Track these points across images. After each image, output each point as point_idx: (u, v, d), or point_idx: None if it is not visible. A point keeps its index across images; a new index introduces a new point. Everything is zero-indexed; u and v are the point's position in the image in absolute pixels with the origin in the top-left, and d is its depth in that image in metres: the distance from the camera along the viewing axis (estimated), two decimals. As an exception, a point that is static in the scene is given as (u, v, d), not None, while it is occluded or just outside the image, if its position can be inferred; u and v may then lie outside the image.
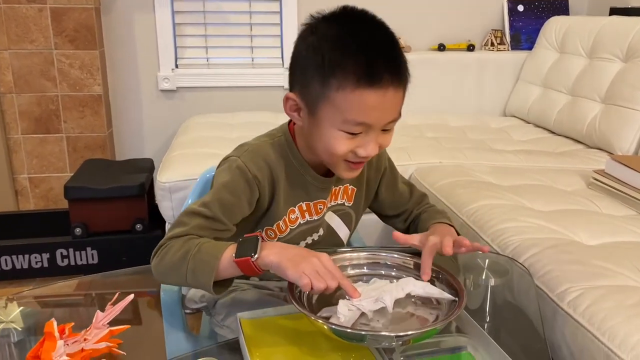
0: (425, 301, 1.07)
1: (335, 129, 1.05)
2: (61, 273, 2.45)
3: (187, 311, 1.25)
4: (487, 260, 1.33)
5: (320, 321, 0.94)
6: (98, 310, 0.99)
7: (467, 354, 1.04)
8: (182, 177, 2.10)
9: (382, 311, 1.02)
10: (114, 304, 1.00)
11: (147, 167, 2.69)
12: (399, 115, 1.07)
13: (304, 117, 1.10)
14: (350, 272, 1.15)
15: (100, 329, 0.95)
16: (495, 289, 1.27)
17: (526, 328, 1.17)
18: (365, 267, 1.17)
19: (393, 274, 1.15)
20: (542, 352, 1.08)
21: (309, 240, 1.27)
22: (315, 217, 1.26)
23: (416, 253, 1.14)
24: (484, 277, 1.28)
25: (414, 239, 1.16)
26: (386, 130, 1.08)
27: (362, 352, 0.98)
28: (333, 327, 0.93)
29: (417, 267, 1.12)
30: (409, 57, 1.04)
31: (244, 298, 1.28)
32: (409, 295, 1.07)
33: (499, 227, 1.59)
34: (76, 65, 2.92)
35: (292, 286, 1.00)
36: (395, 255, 1.17)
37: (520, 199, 1.78)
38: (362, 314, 1.00)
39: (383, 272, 1.16)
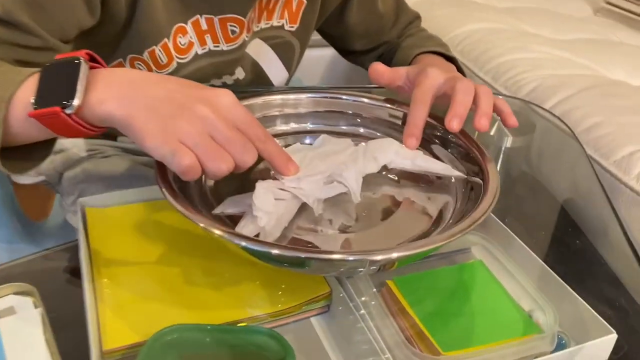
0: (418, 181, 0.59)
1: None
2: None
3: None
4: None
5: (216, 232, 0.44)
6: None
7: (479, 262, 0.59)
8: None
9: (339, 201, 0.52)
10: None
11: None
12: None
13: None
14: (282, 127, 0.64)
15: None
16: (511, 154, 0.79)
17: (564, 220, 0.72)
18: (309, 121, 0.65)
19: (361, 131, 0.65)
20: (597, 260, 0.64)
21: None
22: (227, 46, 0.72)
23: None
24: (493, 134, 0.79)
25: (397, 73, 0.64)
26: None
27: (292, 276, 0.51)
28: (237, 242, 0.43)
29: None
30: None
31: (104, 170, 0.78)
32: (386, 171, 0.57)
33: (503, 59, 1.09)
34: None
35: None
36: (367, 100, 0.65)
37: (522, 24, 1.28)
38: (302, 208, 0.51)
39: (344, 128, 0.65)
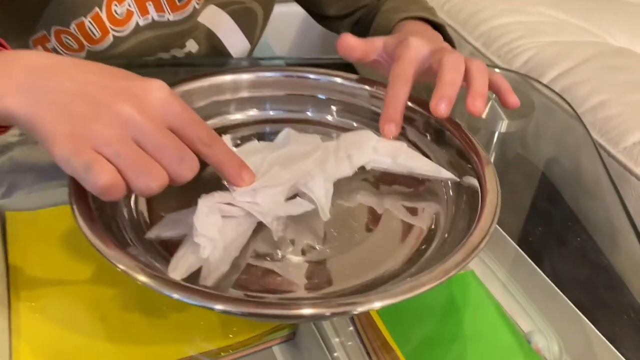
0: (401, 184, 0.49)
1: None
2: None
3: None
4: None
5: (139, 278, 0.33)
6: None
7: (470, 273, 0.51)
8: None
9: (304, 216, 0.42)
10: None
11: None
12: None
13: None
14: (235, 115, 0.53)
15: None
16: (507, 140, 0.69)
17: (566, 215, 0.63)
18: (270, 107, 0.54)
19: (331, 119, 0.54)
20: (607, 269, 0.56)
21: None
22: (174, 16, 0.60)
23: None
24: (485, 117, 0.68)
25: (372, 45, 0.53)
26: None
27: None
28: (167, 293, 0.33)
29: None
30: None
31: (37, 159, 0.64)
32: (363, 172, 0.47)
33: (495, 22, 0.98)
34: None
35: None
36: (341, 81, 0.54)
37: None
38: (260, 225, 0.41)
39: (312, 116, 0.54)
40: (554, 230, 0.63)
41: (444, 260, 0.36)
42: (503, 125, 0.68)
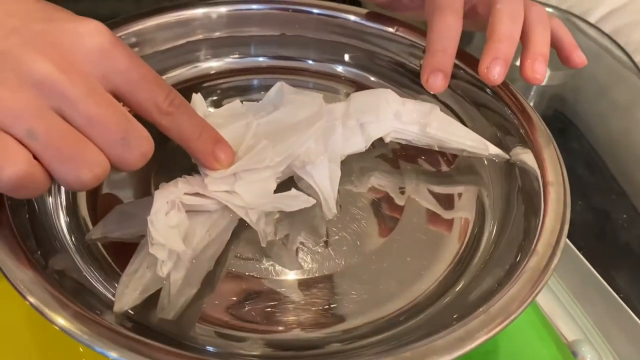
0: (430, 163, 0.38)
1: None
2: None
3: None
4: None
5: (57, 321, 0.23)
6: None
7: None
8: None
9: (303, 215, 0.31)
10: None
11: None
12: None
13: None
14: (211, 63, 0.41)
15: None
16: (546, 94, 0.58)
17: (613, 190, 0.53)
18: (258, 51, 0.42)
19: (338, 70, 0.42)
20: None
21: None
22: None
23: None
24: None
25: None
26: None
27: None
28: (99, 350, 0.22)
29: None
30: None
31: None
32: (380, 145, 0.36)
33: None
34: None
35: None
36: (355, 18, 0.42)
37: None
38: (241, 227, 0.30)
39: (314, 65, 0.42)
40: (601, 209, 0.53)
41: (499, 294, 0.25)
42: (545, 77, 0.56)
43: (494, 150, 0.35)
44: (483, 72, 0.34)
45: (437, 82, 0.35)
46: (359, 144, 0.34)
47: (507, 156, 0.36)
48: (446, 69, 0.35)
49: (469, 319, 0.24)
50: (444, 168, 0.37)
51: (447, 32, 0.35)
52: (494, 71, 0.33)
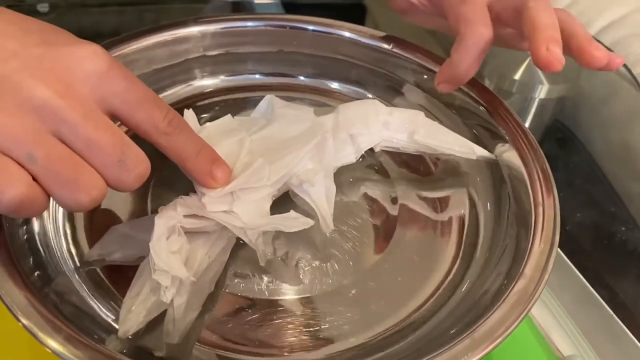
0: (418, 171, 0.38)
1: None
2: None
3: None
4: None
5: (50, 343, 0.23)
6: None
7: None
8: None
9: (301, 232, 0.31)
10: None
11: None
12: None
13: None
14: (205, 81, 0.41)
15: None
16: (545, 107, 0.57)
17: (613, 205, 0.53)
18: (252, 68, 0.43)
19: (335, 86, 0.43)
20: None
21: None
22: None
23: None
24: (518, 78, 0.55)
25: None
26: None
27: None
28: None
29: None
30: None
31: None
32: (368, 155, 0.36)
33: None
34: None
35: None
36: (350, 35, 0.42)
37: None
38: (239, 245, 0.30)
39: (306, 81, 0.43)
40: (598, 221, 0.53)
41: (496, 305, 0.26)
42: (542, 91, 0.56)
43: (480, 152, 0.36)
44: (543, 55, 0.31)
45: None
46: (350, 156, 0.35)
47: (492, 156, 0.36)
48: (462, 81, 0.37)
49: (454, 344, 0.24)
50: (433, 171, 0.38)
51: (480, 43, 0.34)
52: (555, 52, 0.31)
